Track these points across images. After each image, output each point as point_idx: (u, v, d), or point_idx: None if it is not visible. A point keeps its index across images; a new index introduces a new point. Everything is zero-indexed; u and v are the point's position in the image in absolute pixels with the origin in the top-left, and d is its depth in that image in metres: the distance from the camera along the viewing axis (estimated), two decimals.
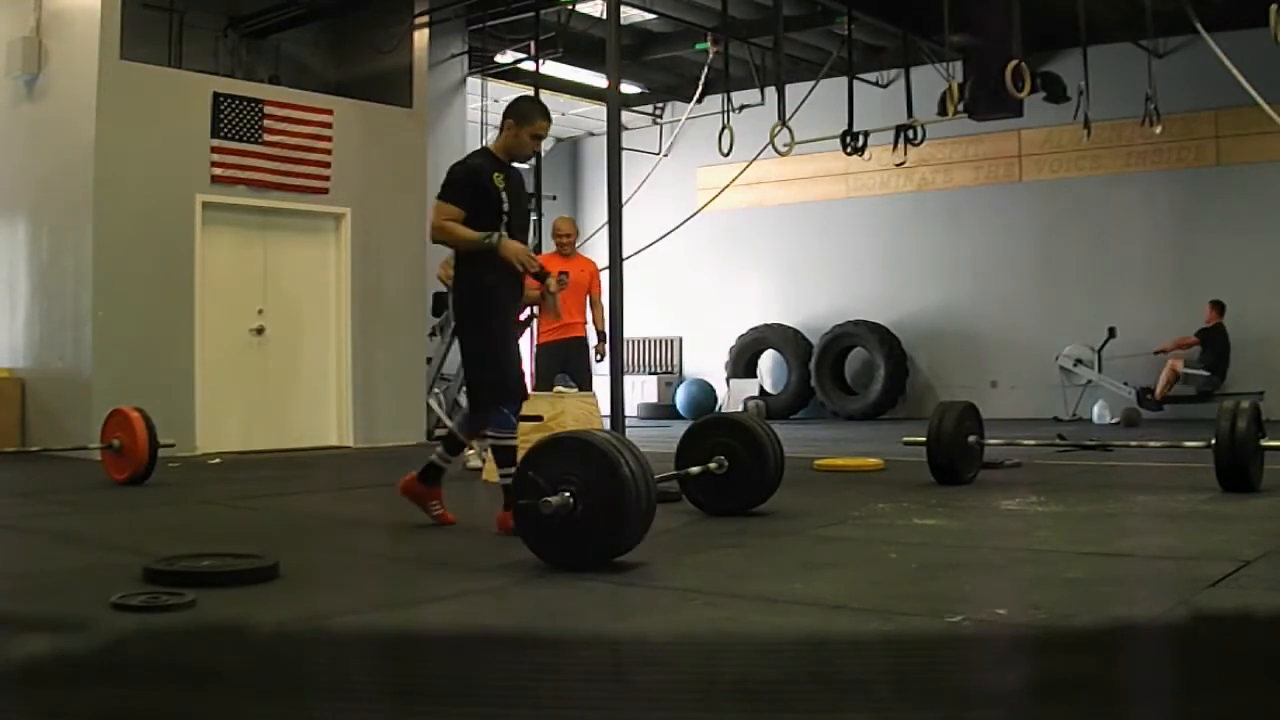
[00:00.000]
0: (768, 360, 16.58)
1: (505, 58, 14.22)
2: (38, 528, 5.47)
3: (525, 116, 5.05)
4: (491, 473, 7.09)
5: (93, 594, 3.41)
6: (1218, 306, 12.83)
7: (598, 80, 14.19)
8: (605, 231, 7.14)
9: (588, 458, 3.83)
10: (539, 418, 6.93)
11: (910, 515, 5.25)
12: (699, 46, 14.17)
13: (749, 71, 14.26)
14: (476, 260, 4.89)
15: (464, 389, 6.88)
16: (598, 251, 8.90)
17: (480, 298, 4.93)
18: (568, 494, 3.76)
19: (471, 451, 8.28)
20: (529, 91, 13.91)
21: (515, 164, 5.14)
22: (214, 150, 10.19)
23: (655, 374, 17.26)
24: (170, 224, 9.92)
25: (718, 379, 16.54)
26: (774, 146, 11.64)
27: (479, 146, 5.36)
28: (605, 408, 7.17)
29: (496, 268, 4.85)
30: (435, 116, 12.76)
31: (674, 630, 2.88)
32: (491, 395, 4.96)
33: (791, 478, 5.69)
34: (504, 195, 4.98)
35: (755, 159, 12.90)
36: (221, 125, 10.22)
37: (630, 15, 13.25)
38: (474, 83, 14.22)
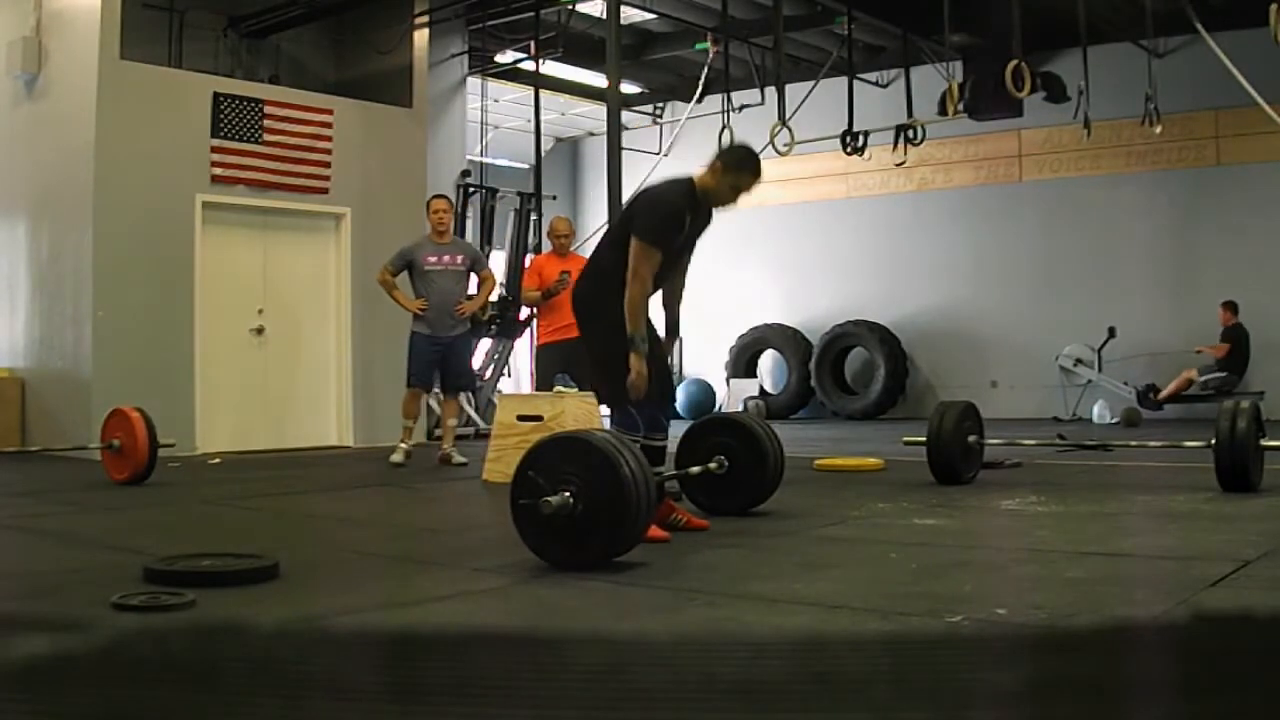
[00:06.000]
0: (768, 360, 16.57)
1: (505, 58, 14.23)
2: (38, 528, 5.46)
3: (733, 166, 4.70)
4: (492, 473, 7.13)
5: (93, 594, 3.41)
6: (1231, 307, 12.75)
7: (598, 80, 14.19)
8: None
9: (588, 457, 3.83)
10: (539, 418, 6.94)
11: (910, 515, 5.25)
12: (699, 46, 14.18)
13: (749, 71, 14.25)
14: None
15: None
16: None
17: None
18: (568, 494, 3.76)
19: (403, 446, 8.43)
20: (529, 91, 13.97)
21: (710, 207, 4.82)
22: (214, 150, 10.19)
23: None
24: (170, 224, 9.92)
25: (718, 379, 16.54)
26: (774, 146, 11.63)
27: (683, 176, 4.88)
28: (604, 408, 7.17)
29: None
30: (435, 116, 12.76)
31: (674, 630, 2.87)
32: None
33: (791, 478, 5.69)
34: (679, 240, 4.76)
35: None
36: (221, 125, 10.22)
37: (630, 15, 13.25)
38: (474, 83, 14.22)
